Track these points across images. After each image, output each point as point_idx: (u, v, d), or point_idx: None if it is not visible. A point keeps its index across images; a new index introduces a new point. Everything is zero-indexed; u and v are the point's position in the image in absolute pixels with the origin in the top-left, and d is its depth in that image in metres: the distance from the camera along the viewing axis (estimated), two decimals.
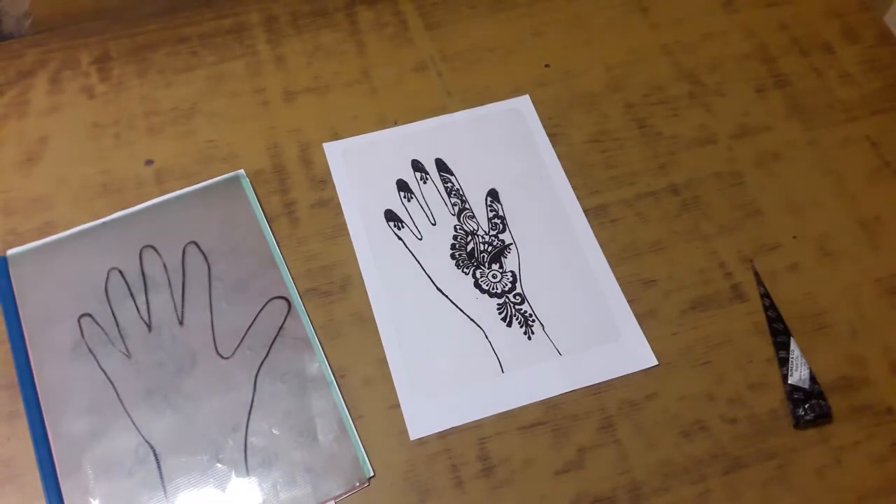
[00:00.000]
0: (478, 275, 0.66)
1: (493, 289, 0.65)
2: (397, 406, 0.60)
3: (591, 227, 0.68)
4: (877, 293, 0.66)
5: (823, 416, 0.59)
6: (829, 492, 0.57)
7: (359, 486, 0.57)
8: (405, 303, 0.64)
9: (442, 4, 0.81)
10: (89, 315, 0.62)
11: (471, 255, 0.67)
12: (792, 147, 0.74)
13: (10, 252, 0.65)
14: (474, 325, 0.63)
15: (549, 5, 0.82)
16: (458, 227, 0.68)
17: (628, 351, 0.62)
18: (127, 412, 0.59)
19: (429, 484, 0.57)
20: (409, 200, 0.69)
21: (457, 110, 0.74)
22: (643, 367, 0.62)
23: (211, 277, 0.64)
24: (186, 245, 0.66)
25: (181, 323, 0.62)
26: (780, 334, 0.63)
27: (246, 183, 0.69)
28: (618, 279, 0.65)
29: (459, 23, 0.80)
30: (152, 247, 0.65)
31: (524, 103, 0.75)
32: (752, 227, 0.69)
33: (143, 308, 0.63)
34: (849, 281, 0.66)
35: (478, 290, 0.65)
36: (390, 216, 0.68)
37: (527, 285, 0.65)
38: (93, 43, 0.78)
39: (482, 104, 0.75)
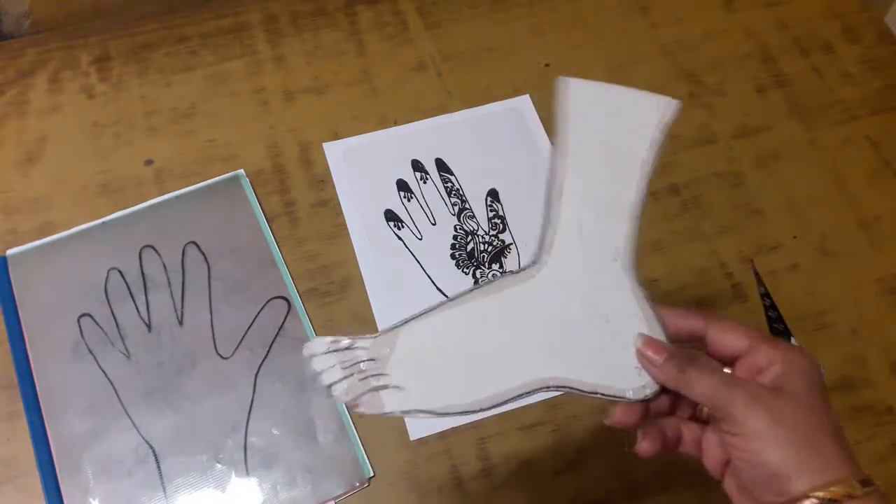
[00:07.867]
0: (478, 275, 0.66)
1: None
2: None
3: None
4: (877, 293, 0.66)
5: None
6: None
7: (359, 486, 0.57)
8: (405, 303, 0.64)
9: (442, 4, 0.81)
10: (89, 315, 0.62)
11: (471, 254, 0.67)
12: (792, 147, 0.73)
13: (9, 252, 0.65)
14: None
15: (549, 5, 0.82)
16: (458, 227, 0.68)
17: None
18: (127, 412, 0.59)
19: (429, 484, 0.57)
20: (409, 200, 0.69)
21: (457, 110, 0.74)
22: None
23: (210, 277, 0.64)
24: (186, 245, 0.65)
25: (181, 323, 0.62)
26: (780, 334, 0.63)
27: (246, 183, 0.69)
28: None
29: (459, 22, 0.80)
30: (152, 247, 0.65)
31: (524, 103, 0.75)
32: (753, 227, 0.69)
33: (142, 308, 0.63)
34: (849, 281, 0.66)
35: None
36: (390, 216, 0.68)
37: None
38: (93, 43, 0.78)
39: (482, 104, 0.75)
